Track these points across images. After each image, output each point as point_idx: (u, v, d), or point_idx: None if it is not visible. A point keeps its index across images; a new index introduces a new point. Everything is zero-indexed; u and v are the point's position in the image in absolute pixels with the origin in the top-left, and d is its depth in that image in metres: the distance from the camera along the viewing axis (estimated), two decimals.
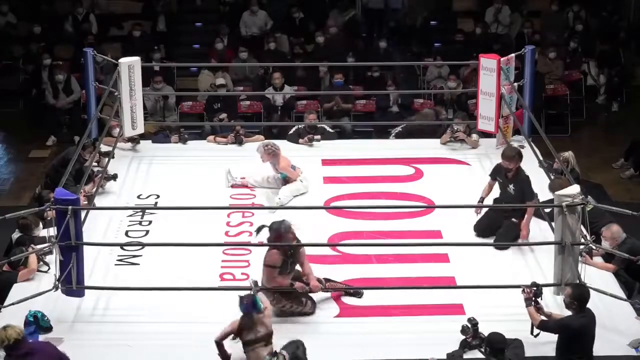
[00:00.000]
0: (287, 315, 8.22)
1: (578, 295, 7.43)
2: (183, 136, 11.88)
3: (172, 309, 8.28)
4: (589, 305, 7.49)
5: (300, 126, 12.01)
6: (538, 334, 7.60)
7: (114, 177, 10.42)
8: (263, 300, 7.59)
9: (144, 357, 7.74)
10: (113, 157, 10.88)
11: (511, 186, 9.22)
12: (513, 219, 9.16)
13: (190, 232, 9.26)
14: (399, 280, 8.74)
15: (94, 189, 9.94)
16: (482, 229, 9.34)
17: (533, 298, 7.64)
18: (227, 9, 17.19)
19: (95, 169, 10.37)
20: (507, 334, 7.87)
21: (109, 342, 7.86)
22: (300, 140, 11.76)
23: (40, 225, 9.28)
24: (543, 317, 7.62)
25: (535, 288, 7.68)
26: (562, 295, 7.99)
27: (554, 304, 8.00)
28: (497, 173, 9.44)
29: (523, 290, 7.71)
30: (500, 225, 9.24)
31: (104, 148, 10.73)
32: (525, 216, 9.14)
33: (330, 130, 12.17)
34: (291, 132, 11.98)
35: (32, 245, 8.77)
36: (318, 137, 11.84)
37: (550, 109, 15.08)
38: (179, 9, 17.61)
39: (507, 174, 9.25)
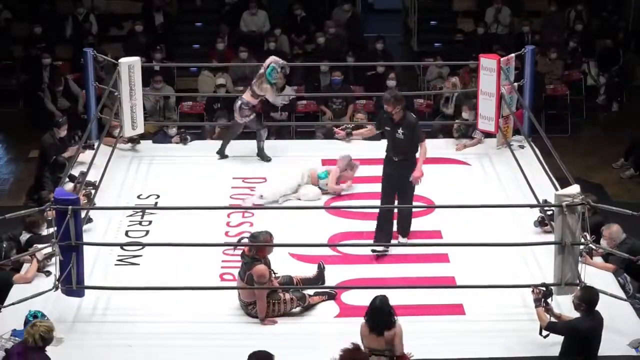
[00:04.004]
0: (283, 315, 8.27)
1: (587, 298, 7.41)
2: (184, 136, 11.87)
3: (172, 309, 8.29)
4: None
5: (349, 126, 12.06)
6: (547, 335, 7.59)
7: (94, 185, 9.94)
8: None
9: (144, 357, 7.74)
10: (139, 142, 11.55)
11: (400, 130, 9.12)
12: (410, 181, 9.17)
13: (190, 232, 9.27)
14: (399, 280, 8.74)
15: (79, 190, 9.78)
16: (388, 193, 9.31)
17: (542, 299, 7.63)
18: (228, 8, 17.20)
19: (77, 174, 10.20)
20: (507, 334, 7.91)
21: (109, 342, 7.86)
22: (338, 135, 11.86)
23: (45, 224, 9.26)
24: (552, 319, 7.60)
25: (544, 289, 7.68)
26: (562, 295, 8.00)
27: (554, 304, 7.98)
28: (384, 123, 9.33)
29: (533, 291, 7.70)
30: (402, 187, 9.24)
31: (104, 148, 10.75)
32: (418, 159, 9.18)
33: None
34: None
35: (36, 255, 8.73)
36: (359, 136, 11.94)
37: (550, 109, 15.09)
38: (179, 9, 17.62)
39: (394, 119, 9.17)
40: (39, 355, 7.04)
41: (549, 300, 7.67)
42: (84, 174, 9.75)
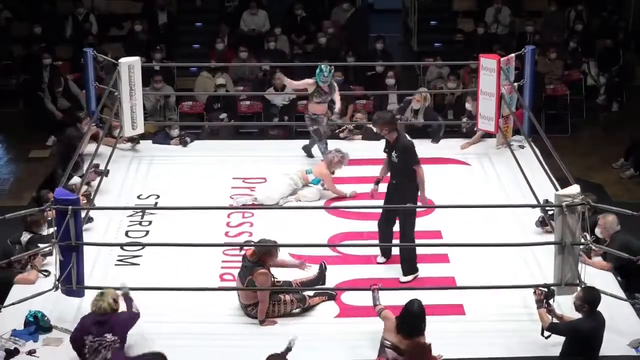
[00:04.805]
0: (283, 316, 8.28)
1: (589, 298, 7.41)
2: (184, 139, 11.85)
3: (172, 309, 8.29)
4: None
5: (349, 126, 12.08)
6: (549, 336, 7.59)
7: (106, 173, 10.23)
8: None
9: None
10: (139, 142, 11.54)
11: (394, 154, 8.85)
12: (408, 204, 8.84)
13: (190, 232, 9.27)
14: (399, 280, 8.75)
15: (83, 183, 9.78)
16: (385, 218, 9.03)
17: (544, 300, 7.63)
18: (232, 8, 17.21)
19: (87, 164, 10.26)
20: (507, 334, 7.91)
21: None
22: (341, 135, 11.95)
23: (46, 223, 9.26)
24: (554, 319, 7.59)
25: (546, 290, 7.67)
26: (562, 295, 8.00)
27: (554, 305, 7.98)
28: (386, 144, 9.06)
29: (535, 292, 7.70)
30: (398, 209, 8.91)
31: (104, 148, 10.74)
32: (419, 187, 8.81)
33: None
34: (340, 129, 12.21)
35: (35, 263, 8.73)
36: (359, 136, 11.93)
37: (550, 109, 15.09)
38: (179, 9, 17.62)
39: (388, 140, 8.91)
40: (116, 316, 7.49)
41: (550, 301, 7.66)
42: (96, 165, 9.97)
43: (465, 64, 14.41)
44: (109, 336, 7.38)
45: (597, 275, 8.40)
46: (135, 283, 8.46)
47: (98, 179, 10.12)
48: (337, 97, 10.90)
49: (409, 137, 9.04)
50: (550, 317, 7.60)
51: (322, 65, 10.77)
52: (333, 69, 10.90)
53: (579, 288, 7.90)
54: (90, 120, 10.84)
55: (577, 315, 7.53)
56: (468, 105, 11.85)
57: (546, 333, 7.59)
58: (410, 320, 7.30)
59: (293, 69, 14.84)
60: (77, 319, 8.12)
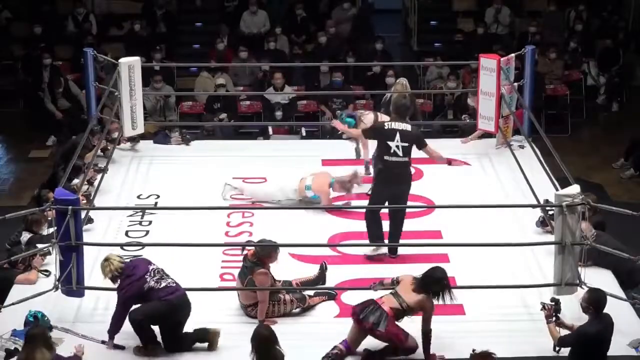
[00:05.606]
0: (283, 316, 8.27)
1: (594, 300, 7.37)
2: (185, 137, 11.85)
3: None
4: None
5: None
6: (560, 349, 7.58)
7: (105, 170, 10.23)
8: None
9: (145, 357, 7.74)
10: (139, 142, 11.49)
11: None
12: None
13: (190, 232, 9.27)
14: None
15: (83, 183, 9.78)
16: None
17: (553, 314, 7.61)
18: (232, 8, 17.22)
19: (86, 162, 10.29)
20: (508, 334, 7.90)
21: None
22: (344, 136, 11.88)
23: (47, 223, 9.25)
24: (563, 332, 7.54)
25: (554, 304, 7.65)
26: (562, 295, 7.99)
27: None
28: None
29: (543, 308, 7.67)
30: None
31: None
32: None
33: None
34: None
35: (35, 264, 8.72)
36: None
37: (550, 109, 15.10)
38: (179, 9, 17.63)
39: None
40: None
41: (559, 314, 7.63)
42: (95, 164, 10.02)
43: (465, 64, 14.41)
44: (152, 266, 7.74)
45: (597, 275, 8.39)
46: None
47: (99, 176, 10.13)
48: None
49: (388, 126, 9.16)
50: (559, 330, 7.56)
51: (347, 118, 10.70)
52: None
53: (579, 288, 7.91)
54: (101, 135, 10.79)
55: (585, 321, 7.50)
56: (470, 101, 11.86)
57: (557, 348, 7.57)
58: (426, 279, 7.58)
59: (293, 69, 14.87)
60: (77, 319, 8.15)
